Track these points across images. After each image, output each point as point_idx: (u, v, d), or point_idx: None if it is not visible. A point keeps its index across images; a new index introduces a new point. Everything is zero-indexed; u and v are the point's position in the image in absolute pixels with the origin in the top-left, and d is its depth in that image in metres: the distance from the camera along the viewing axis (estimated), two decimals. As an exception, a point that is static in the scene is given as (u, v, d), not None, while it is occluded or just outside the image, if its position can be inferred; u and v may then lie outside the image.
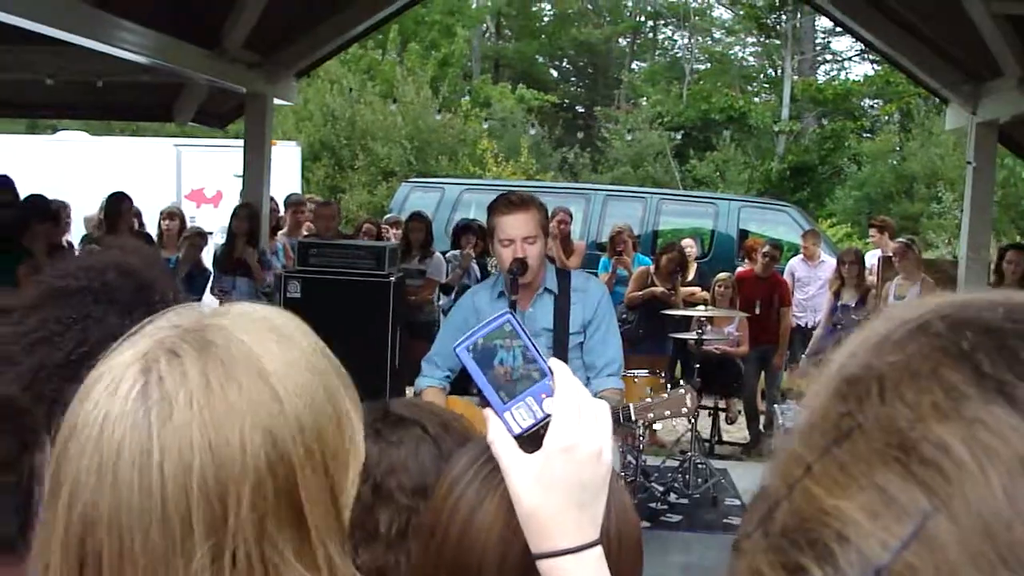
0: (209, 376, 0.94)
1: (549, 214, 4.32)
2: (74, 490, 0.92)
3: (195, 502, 0.90)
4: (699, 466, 7.90)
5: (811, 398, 0.60)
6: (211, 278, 8.89)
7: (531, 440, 1.14)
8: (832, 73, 32.03)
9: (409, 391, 5.79)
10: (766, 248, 9.94)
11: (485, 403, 1.19)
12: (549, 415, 1.13)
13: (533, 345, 1.20)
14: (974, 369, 0.54)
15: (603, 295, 4.29)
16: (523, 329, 1.21)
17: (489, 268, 9.49)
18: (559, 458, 1.09)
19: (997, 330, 0.55)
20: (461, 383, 4.38)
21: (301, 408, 0.96)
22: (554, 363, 1.18)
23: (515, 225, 3.93)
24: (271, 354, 0.97)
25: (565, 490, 1.09)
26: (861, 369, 0.57)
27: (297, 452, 0.94)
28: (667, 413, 4.20)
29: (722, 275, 9.43)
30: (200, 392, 0.93)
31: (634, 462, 7.26)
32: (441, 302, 9.32)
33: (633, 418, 4.18)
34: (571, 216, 10.51)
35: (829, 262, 10.55)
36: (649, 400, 4.25)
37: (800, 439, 0.58)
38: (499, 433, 1.15)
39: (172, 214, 10.35)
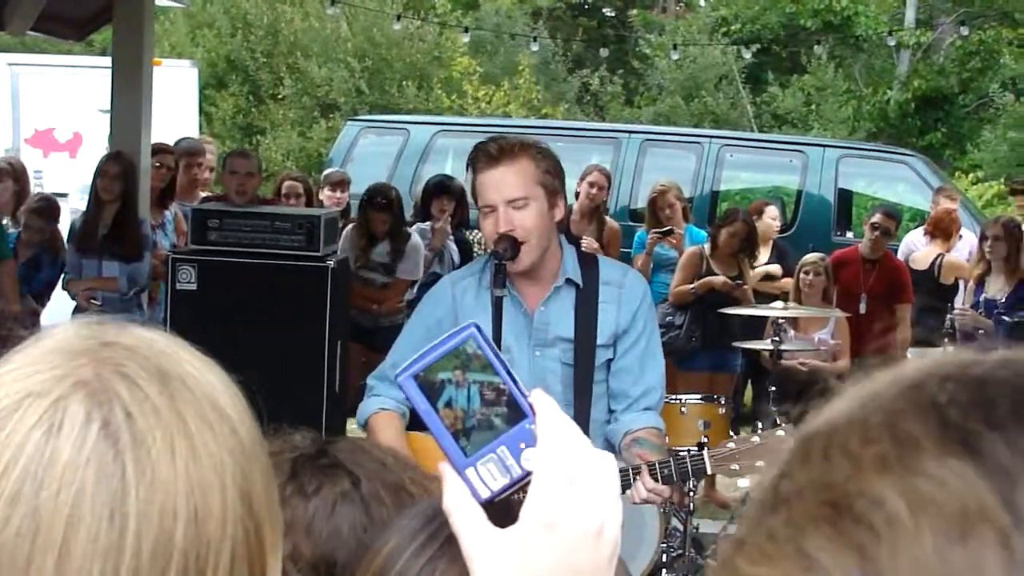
0: (185, 415, 1.00)
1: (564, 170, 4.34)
2: None
3: None
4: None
5: (771, 466, 0.69)
6: (64, 266, 8.89)
7: (505, 509, 1.17)
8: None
9: (353, 426, 5.82)
10: (876, 217, 9.98)
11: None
12: (530, 473, 1.16)
13: (508, 372, 1.23)
14: (939, 420, 0.63)
15: (646, 295, 4.33)
16: (493, 350, 1.24)
17: (475, 249, 9.52)
18: (542, 537, 1.12)
19: (984, 380, 0.65)
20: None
21: (262, 460, 1.06)
22: (538, 398, 1.20)
23: (494, 184, 3.97)
24: (220, 391, 1.06)
25: None
26: (818, 427, 0.67)
27: (265, 517, 1.05)
28: (759, 464, 4.11)
29: (811, 257, 9.48)
30: (181, 437, 0.99)
31: (682, 528, 7.31)
32: (410, 297, 9.35)
33: (709, 471, 4.20)
34: (609, 180, 10.47)
35: (969, 238, 10.59)
36: (732, 445, 4.23)
37: (747, 512, 0.69)
38: (459, 498, 1.17)
39: (2, 171, 10.32)
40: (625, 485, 3.93)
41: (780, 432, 4.21)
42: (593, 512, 1.13)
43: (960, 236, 10.92)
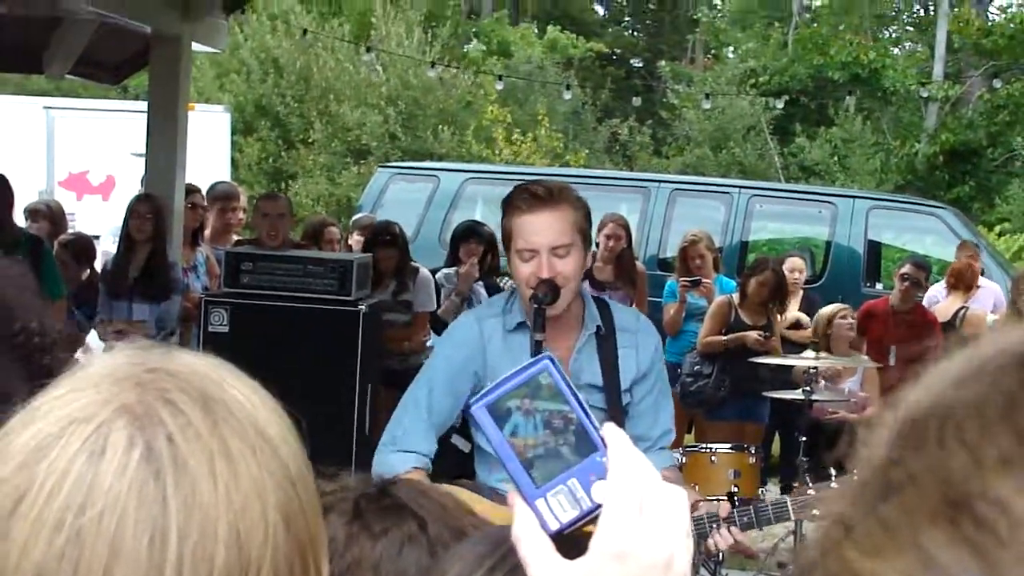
0: (227, 439, 1.02)
1: (592, 220, 4.37)
2: None
3: None
4: (806, 586, 7.90)
5: (874, 441, 0.69)
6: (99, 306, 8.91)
7: (573, 541, 1.16)
8: (1009, 8, 31.97)
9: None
10: (906, 268, 9.97)
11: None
12: (600, 505, 1.16)
13: (581, 405, 1.23)
14: None
15: (659, 341, 4.38)
16: (567, 382, 1.24)
17: (503, 288, 9.50)
18: (611, 568, 1.12)
19: None
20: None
21: (308, 486, 1.08)
22: (609, 431, 1.20)
23: (540, 228, 3.96)
24: (265, 415, 1.08)
25: None
26: (929, 407, 0.67)
27: (308, 542, 1.06)
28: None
29: (832, 308, 9.45)
30: (222, 461, 1.01)
31: (711, 580, 7.28)
32: (431, 341, 9.32)
33: (792, 517, 4.28)
34: (627, 229, 10.44)
35: (991, 288, 10.55)
36: (812, 491, 4.30)
37: (849, 495, 0.68)
38: (528, 529, 1.17)
39: (38, 211, 10.43)
40: (700, 534, 3.96)
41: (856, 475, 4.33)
42: (663, 544, 1.13)
43: (979, 286, 10.91)
